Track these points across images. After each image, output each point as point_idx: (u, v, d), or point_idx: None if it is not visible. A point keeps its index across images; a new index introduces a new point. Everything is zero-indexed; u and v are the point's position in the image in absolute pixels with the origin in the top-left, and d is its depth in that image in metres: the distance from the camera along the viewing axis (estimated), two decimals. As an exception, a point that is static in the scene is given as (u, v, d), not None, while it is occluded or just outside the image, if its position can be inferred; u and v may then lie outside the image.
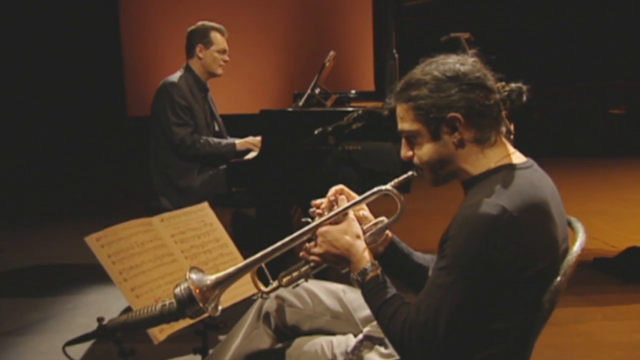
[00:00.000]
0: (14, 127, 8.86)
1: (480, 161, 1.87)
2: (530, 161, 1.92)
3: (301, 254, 2.00)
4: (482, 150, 1.86)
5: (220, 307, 1.99)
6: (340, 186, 2.06)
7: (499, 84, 1.90)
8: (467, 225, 1.74)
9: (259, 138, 4.04)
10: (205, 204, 2.83)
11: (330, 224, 1.97)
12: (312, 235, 1.98)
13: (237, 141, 4.33)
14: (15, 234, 6.06)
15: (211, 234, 2.75)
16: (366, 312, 2.10)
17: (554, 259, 1.81)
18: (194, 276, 1.94)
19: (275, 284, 2.03)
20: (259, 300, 2.19)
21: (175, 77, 4.29)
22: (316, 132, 3.53)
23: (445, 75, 1.84)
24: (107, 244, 2.37)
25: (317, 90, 4.33)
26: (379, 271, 1.90)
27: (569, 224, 1.99)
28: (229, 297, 2.48)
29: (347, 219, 1.96)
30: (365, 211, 2.08)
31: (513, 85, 1.91)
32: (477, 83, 1.83)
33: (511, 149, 1.91)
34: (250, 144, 4.27)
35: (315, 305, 2.20)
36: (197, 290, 1.90)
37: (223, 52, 4.36)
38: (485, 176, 1.86)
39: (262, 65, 8.37)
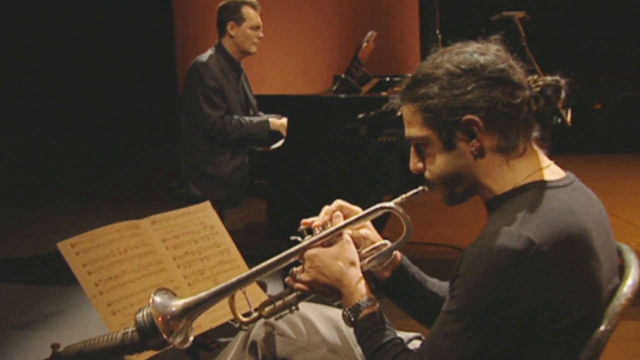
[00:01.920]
0: (60, 106, 8.77)
1: (505, 175, 1.50)
2: (570, 177, 1.53)
3: (287, 279, 1.67)
4: (508, 161, 1.50)
5: (191, 338, 1.68)
6: (338, 202, 1.72)
7: (529, 78, 1.53)
8: (482, 260, 1.38)
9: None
10: (207, 204, 2.52)
11: (322, 245, 1.63)
12: (300, 259, 1.64)
13: (271, 119, 4.01)
14: (50, 216, 5.91)
15: (211, 239, 2.45)
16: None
17: (595, 306, 1.43)
18: (158, 299, 1.63)
19: (255, 314, 1.70)
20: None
21: (205, 56, 4.02)
22: (359, 118, 3.17)
23: (460, 69, 1.47)
24: (83, 250, 2.10)
25: (356, 73, 3.97)
26: (375, 308, 1.56)
27: (620, 253, 1.59)
28: (214, 318, 2.18)
29: (341, 241, 1.62)
30: (366, 230, 1.73)
31: (548, 78, 1.53)
32: (500, 77, 1.47)
33: (545, 160, 1.53)
34: (283, 127, 3.94)
35: (310, 336, 1.86)
36: (160, 319, 1.59)
37: (256, 28, 4.04)
38: (510, 196, 1.49)
39: (315, 45, 8.00)
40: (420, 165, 1.58)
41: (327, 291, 1.61)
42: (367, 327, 1.54)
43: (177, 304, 1.64)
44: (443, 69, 1.51)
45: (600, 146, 7.54)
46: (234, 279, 1.66)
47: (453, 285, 1.43)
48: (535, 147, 1.54)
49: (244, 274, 1.65)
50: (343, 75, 3.79)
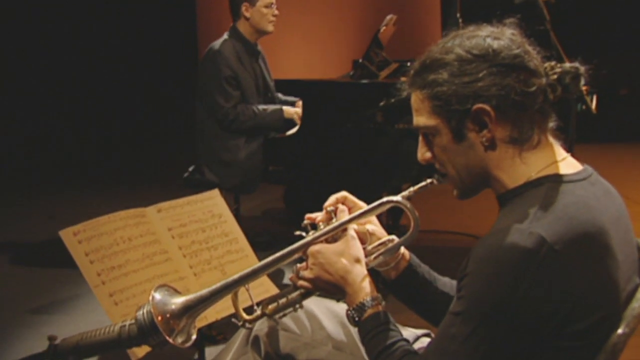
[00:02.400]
0: (83, 90, 8.75)
1: (518, 169, 1.41)
2: (588, 170, 1.44)
3: (290, 277, 1.60)
4: (520, 153, 1.42)
5: (193, 337, 1.62)
6: (343, 193, 1.64)
7: (547, 65, 1.44)
8: (490, 259, 1.30)
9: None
10: (216, 192, 2.46)
11: (326, 241, 1.56)
12: (303, 255, 1.57)
13: (285, 108, 3.95)
14: (69, 200, 5.90)
15: (219, 227, 2.39)
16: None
17: (612, 308, 1.34)
18: (158, 296, 1.57)
19: (258, 311, 1.64)
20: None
21: (219, 43, 3.96)
22: (380, 106, 3.08)
23: (471, 54, 1.39)
24: (85, 239, 2.05)
25: (375, 58, 3.87)
26: (380, 307, 1.49)
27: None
28: (220, 309, 2.12)
29: (346, 236, 1.55)
30: (373, 225, 1.66)
31: (567, 65, 1.44)
32: (514, 64, 1.39)
33: (561, 153, 1.45)
34: (298, 116, 3.87)
35: (314, 332, 1.80)
36: (160, 318, 1.53)
37: (270, 5, 3.96)
38: (522, 190, 1.41)
39: (335, 29, 7.88)
40: (428, 155, 1.50)
41: (330, 289, 1.54)
42: (371, 328, 1.47)
43: (178, 301, 1.58)
44: (453, 54, 1.42)
45: (627, 134, 7.36)
46: (235, 276, 1.59)
47: (460, 285, 1.35)
48: (551, 138, 1.45)
49: (246, 271, 1.59)
50: (360, 60, 3.69)
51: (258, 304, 1.67)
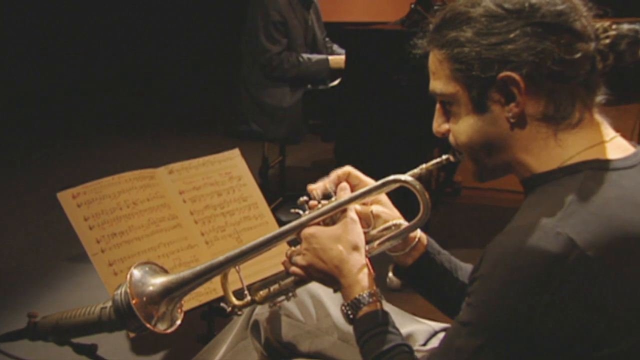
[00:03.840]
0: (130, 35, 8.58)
1: (551, 152, 1.17)
2: None
3: (282, 260, 1.41)
4: (556, 134, 1.17)
5: (178, 322, 1.45)
6: (346, 169, 1.43)
7: (599, 25, 1.16)
8: (506, 262, 1.07)
9: None
10: (236, 152, 2.27)
11: (323, 223, 1.35)
12: (297, 237, 1.37)
13: (331, 58, 3.72)
14: (119, 142, 5.84)
15: (237, 191, 2.20)
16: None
17: None
18: (137, 275, 1.40)
19: (248, 297, 1.45)
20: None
21: None
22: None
23: (503, 8, 1.15)
24: (85, 202, 1.90)
25: (432, 2, 3.55)
26: (378, 305, 1.28)
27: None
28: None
29: (345, 219, 1.34)
30: (379, 206, 1.44)
31: (624, 27, 1.16)
32: (555, 23, 1.14)
33: (609, 132, 1.18)
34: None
35: (320, 319, 1.61)
36: (135, 301, 1.36)
37: None
38: (553, 176, 1.16)
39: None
40: (445, 127, 1.27)
41: (324, 279, 1.34)
42: (366, 329, 1.27)
43: (157, 282, 1.40)
44: (481, 7, 1.18)
45: None
46: (221, 258, 1.41)
47: (470, 288, 1.13)
48: (597, 116, 1.19)
49: (233, 252, 1.40)
50: (413, 5, 3.39)
51: (249, 287, 1.48)
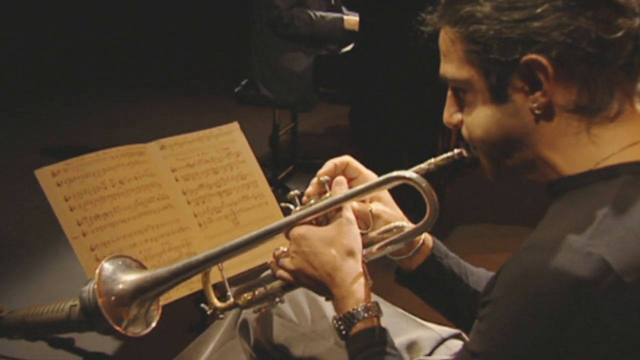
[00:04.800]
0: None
1: (583, 150, 1.00)
2: None
3: (269, 261, 1.25)
4: (589, 128, 0.99)
5: (154, 324, 1.31)
6: (344, 159, 1.25)
7: None
8: (525, 287, 0.90)
9: None
10: (235, 125, 2.10)
11: (316, 222, 1.19)
12: (286, 237, 1.21)
13: (345, 17, 3.50)
14: (122, 105, 5.64)
15: (235, 169, 2.04)
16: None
17: None
18: (108, 270, 1.26)
19: (230, 300, 1.30)
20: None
21: None
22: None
23: None
24: (66, 181, 1.74)
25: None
26: (375, 321, 1.13)
27: None
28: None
29: (340, 219, 1.17)
30: (380, 205, 1.26)
31: None
32: None
33: None
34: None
35: (315, 322, 1.46)
36: (103, 300, 1.22)
37: None
38: (585, 181, 0.99)
39: None
40: (457, 117, 1.09)
41: (315, 286, 1.18)
42: (360, 348, 1.11)
43: (129, 280, 1.25)
44: None
45: None
46: (200, 256, 1.25)
47: (482, 312, 0.96)
48: None
49: (213, 251, 1.24)
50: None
51: (233, 287, 1.33)
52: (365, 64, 2.99)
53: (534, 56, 0.96)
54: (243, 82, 3.79)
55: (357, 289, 1.13)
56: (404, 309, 1.52)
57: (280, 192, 3.93)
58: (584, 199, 0.96)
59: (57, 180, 1.73)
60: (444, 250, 1.31)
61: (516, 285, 0.91)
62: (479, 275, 1.32)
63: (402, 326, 1.39)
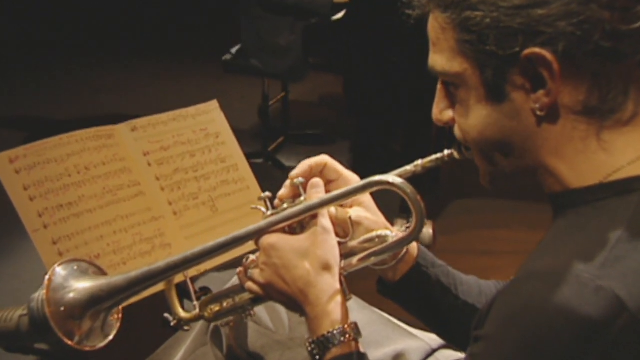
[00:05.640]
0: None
1: (592, 157, 0.87)
2: None
3: (238, 269, 1.11)
4: (599, 133, 0.86)
5: (112, 335, 1.18)
6: (322, 158, 1.12)
7: None
8: (523, 323, 0.78)
9: None
10: (214, 104, 1.95)
11: (289, 230, 1.05)
12: (256, 244, 1.08)
13: None
14: (111, 74, 5.43)
15: (214, 151, 1.90)
16: (374, 353, 1.23)
17: None
18: (60, 275, 1.13)
19: (196, 310, 1.17)
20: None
21: None
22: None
23: None
24: (25, 168, 1.61)
25: None
26: (353, 346, 1.00)
27: None
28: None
29: (315, 227, 1.03)
30: (361, 210, 1.13)
31: None
32: None
33: None
34: None
35: (293, 329, 1.35)
36: (50, 311, 1.09)
37: None
38: (595, 196, 0.86)
39: None
40: (448, 115, 0.96)
41: (287, 303, 1.05)
42: None
43: (82, 288, 1.12)
44: None
45: None
46: (161, 264, 1.11)
47: (472, 349, 0.83)
48: None
49: (175, 259, 1.11)
50: None
51: (199, 297, 1.20)
52: (356, 32, 2.83)
53: (536, 50, 0.82)
54: (233, 50, 3.62)
55: (333, 309, 1.00)
56: (390, 313, 1.39)
57: (271, 164, 3.79)
58: (593, 219, 0.82)
59: (15, 167, 1.59)
60: (431, 258, 1.18)
61: (513, 321, 0.78)
62: (470, 284, 1.19)
63: (389, 335, 1.27)
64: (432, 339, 1.32)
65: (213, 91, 4.55)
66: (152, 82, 5.06)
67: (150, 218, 1.74)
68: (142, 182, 1.75)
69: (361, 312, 1.32)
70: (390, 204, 1.21)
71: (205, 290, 1.74)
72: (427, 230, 3.09)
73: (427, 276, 1.16)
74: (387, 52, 2.85)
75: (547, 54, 0.81)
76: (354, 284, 1.13)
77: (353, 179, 1.12)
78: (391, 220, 3.14)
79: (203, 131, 1.90)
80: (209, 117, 1.92)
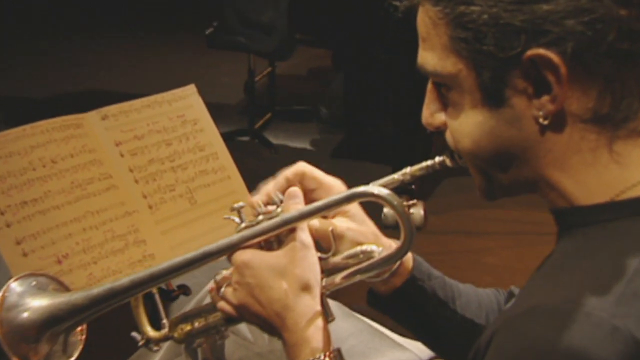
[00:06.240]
0: None
1: (603, 172, 0.78)
2: None
3: (210, 287, 1.02)
4: (611, 143, 0.77)
5: (76, 353, 1.09)
6: (300, 167, 1.01)
7: None
8: None
9: None
10: (191, 89, 1.83)
11: (265, 245, 0.96)
12: (229, 260, 0.98)
13: None
14: (92, 49, 5.24)
15: (191, 139, 1.78)
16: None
17: None
18: (15, 289, 1.04)
19: (165, 329, 1.07)
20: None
21: None
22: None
23: None
24: (-15, 162, 1.48)
25: None
26: None
27: None
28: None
29: (293, 243, 0.93)
30: (345, 220, 1.03)
31: None
32: None
33: None
34: None
35: (273, 340, 1.23)
36: (3, 331, 1.00)
37: None
38: (606, 215, 0.76)
39: None
40: (439, 119, 0.87)
41: (263, 326, 0.96)
42: None
43: (38, 307, 1.02)
44: None
45: None
46: (124, 281, 1.02)
47: None
48: None
49: (141, 275, 1.01)
50: None
51: (177, 296, 1.11)
52: (343, 4, 2.71)
53: (541, 51, 0.72)
54: (215, 24, 3.50)
55: (313, 335, 0.91)
56: (376, 320, 1.30)
57: (257, 142, 3.68)
58: (605, 243, 0.73)
59: (-27, 162, 1.48)
60: (427, 269, 1.09)
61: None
62: (468, 297, 1.10)
63: (375, 345, 1.18)
64: (422, 350, 1.23)
65: (198, 66, 4.43)
66: (135, 56, 4.90)
67: (123, 213, 1.63)
68: (114, 175, 1.64)
69: (346, 321, 1.22)
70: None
71: (183, 288, 1.64)
72: (418, 211, 3.01)
73: (423, 290, 1.07)
74: (375, 25, 2.75)
75: (553, 56, 0.71)
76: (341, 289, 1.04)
77: (335, 187, 1.02)
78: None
79: (180, 118, 1.78)
80: (186, 103, 1.81)
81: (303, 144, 3.45)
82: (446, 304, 1.09)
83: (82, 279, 1.52)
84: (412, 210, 0.95)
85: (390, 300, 1.08)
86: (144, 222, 1.64)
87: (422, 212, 3.01)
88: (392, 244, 1.03)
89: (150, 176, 1.69)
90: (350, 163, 3.27)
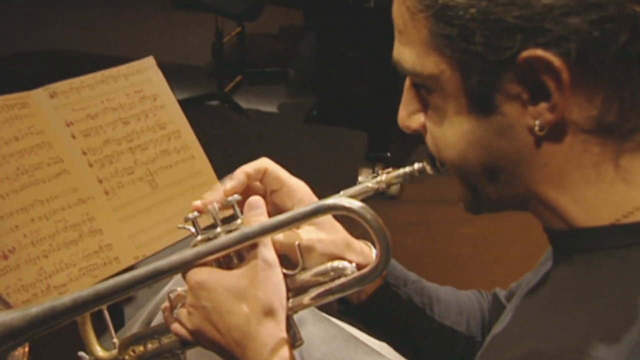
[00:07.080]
0: None
1: (607, 190, 0.67)
2: None
3: (163, 306, 0.90)
4: (617, 157, 0.66)
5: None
6: (261, 163, 0.90)
7: None
8: None
9: None
10: (150, 61, 1.70)
11: (224, 262, 0.85)
12: (184, 279, 0.86)
13: None
14: (54, 8, 4.94)
15: (151, 117, 1.66)
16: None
17: None
18: None
19: (115, 350, 0.96)
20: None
21: None
22: None
23: None
24: None
25: None
26: None
27: None
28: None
29: (254, 260, 0.82)
30: (314, 230, 0.92)
31: None
32: None
33: None
34: None
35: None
36: None
37: None
38: (611, 240, 0.66)
39: None
40: (419, 120, 0.75)
41: (222, 354, 0.84)
42: None
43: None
44: None
45: None
46: (66, 300, 0.89)
47: None
48: None
49: (85, 294, 0.89)
50: None
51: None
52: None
53: (539, 52, 0.61)
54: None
55: None
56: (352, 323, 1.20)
57: (227, 107, 3.53)
58: (613, 276, 0.63)
59: None
60: (402, 274, 0.98)
61: None
62: (448, 302, 1.00)
63: (349, 353, 1.09)
64: (400, 357, 1.14)
65: (165, 26, 4.23)
66: (95, 15, 4.64)
67: (77, 200, 1.51)
68: (65, 159, 1.51)
69: (318, 326, 1.12)
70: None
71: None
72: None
73: (397, 296, 0.97)
74: None
75: (553, 60, 0.60)
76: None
77: (298, 190, 0.90)
78: (355, 171, 2.98)
79: (138, 94, 1.65)
80: (145, 77, 1.67)
81: (274, 108, 3.32)
82: (422, 312, 0.98)
83: (31, 275, 1.41)
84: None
85: (361, 307, 0.97)
86: (100, 209, 1.52)
87: (397, 180, 2.91)
88: (364, 249, 0.92)
89: (106, 159, 1.56)
90: (325, 128, 3.15)
